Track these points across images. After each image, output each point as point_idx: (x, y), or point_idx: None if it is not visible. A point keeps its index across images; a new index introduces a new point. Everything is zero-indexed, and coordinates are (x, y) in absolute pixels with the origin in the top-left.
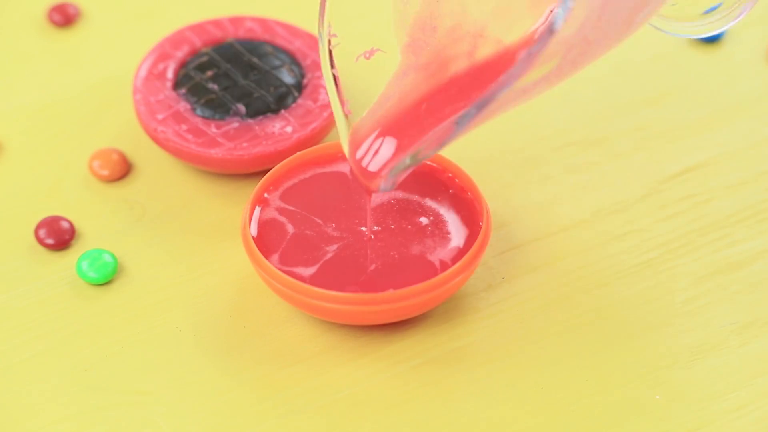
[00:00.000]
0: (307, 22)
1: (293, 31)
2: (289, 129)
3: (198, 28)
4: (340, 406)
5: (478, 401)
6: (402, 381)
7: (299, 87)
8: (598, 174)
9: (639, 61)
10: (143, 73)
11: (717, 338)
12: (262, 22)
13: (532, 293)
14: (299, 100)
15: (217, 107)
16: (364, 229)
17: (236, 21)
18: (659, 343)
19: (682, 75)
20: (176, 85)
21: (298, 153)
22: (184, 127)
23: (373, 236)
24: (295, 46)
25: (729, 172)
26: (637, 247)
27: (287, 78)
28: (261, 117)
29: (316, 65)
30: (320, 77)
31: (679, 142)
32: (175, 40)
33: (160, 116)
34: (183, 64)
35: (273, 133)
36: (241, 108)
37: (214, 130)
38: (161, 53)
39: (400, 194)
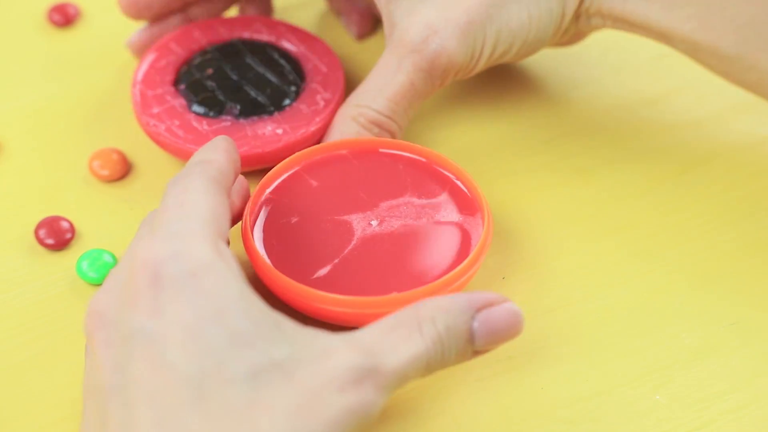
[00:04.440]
0: (313, 26)
1: (300, 34)
2: (279, 131)
3: (205, 26)
4: None
5: (478, 401)
6: None
7: (297, 91)
8: (598, 174)
9: (639, 61)
10: (145, 67)
11: (717, 338)
12: (270, 24)
13: (532, 293)
14: (294, 104)
15: (212, 105)
16: (373, 223)
17: (245, 21)
18: (659, 343)
19: (683, 75)
20: (176, 81)
21: (298, 152)
22: (176, 122)
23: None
24: (299, 49)
25: (728, 170)
26: (637, 247)
27: (285, 81)
28: (254, 118)
29: (317, 70)
30: (319, 81)
31: (679, 141)
32: (182, 37)
33: (155, 110)
34: (186, 61)
35: (263, 134)
36: (235, 107)
37: (205, 127)
38: (166, 49)
39: (400, 194)
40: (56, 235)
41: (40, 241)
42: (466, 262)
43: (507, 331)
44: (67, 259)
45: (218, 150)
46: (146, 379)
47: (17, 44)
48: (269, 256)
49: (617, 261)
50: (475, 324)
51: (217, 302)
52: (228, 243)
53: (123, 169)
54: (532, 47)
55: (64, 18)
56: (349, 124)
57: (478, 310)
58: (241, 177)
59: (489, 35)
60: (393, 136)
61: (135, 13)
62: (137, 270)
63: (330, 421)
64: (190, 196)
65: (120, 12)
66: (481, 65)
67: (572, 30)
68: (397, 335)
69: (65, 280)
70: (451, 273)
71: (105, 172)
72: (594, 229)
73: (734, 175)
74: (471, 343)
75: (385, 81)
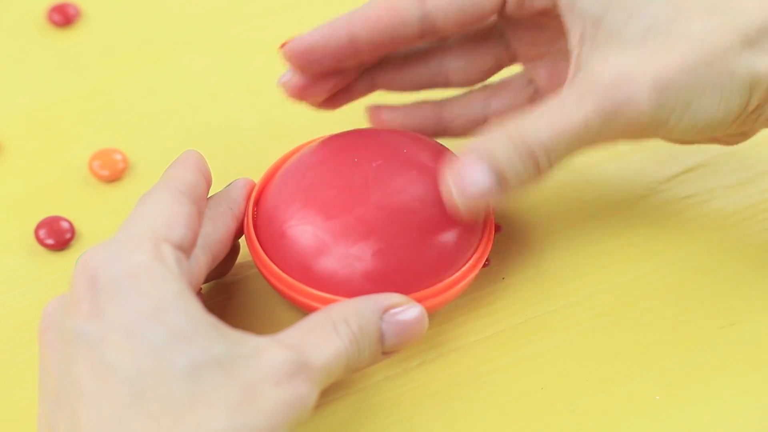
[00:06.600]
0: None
1: None
2: None
3: None
4: (340, 406)
5: (478, 401)
6: (402, 381)
7: None
8: (598, 174)
9: None
10: None
11: (716, 338)
12: None
13: (532, 293)
14: None
15: None
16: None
17: None
18: (659, 343)
19: None
20: None
21: (294, 149)
22: None
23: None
24: None
25: (729, 172)
26: (637, 246)
27: None
28: None
29: None
30: None
31: None
32: None
33: None
34: None
35: None
36: None
37: None
38: None
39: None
40: (56, 235)
41: (40, 241)
42: (467, 265)
43: (412, 330)
44: (67, 259)
45: (187, 163)
46: (87, 382)
47: (17, 44)
48: (269, 254)
49: (618, 261)
50: (384, 325)
51: (154, 301)
52: (190, 249)
53: (123, 169)
54: (706, 133)
55: (64, 18)
56: (503, 144)
57: (385, 311)
58: (249, 181)
59: (680, 104)
60: (537, 176)
61: (304, 66)
62: (77, 275)
63: (269, 414)
64: (145, 207)
65: (121, 12)
66: (658, 134)
67: (745, 126)
68: (316, 335)
69: (65, 280)
70: (452, 278)
71: (105, 172)
72: (595, 230)
73: (735, 176)
74: (381, 343)
75: (556, 112)
